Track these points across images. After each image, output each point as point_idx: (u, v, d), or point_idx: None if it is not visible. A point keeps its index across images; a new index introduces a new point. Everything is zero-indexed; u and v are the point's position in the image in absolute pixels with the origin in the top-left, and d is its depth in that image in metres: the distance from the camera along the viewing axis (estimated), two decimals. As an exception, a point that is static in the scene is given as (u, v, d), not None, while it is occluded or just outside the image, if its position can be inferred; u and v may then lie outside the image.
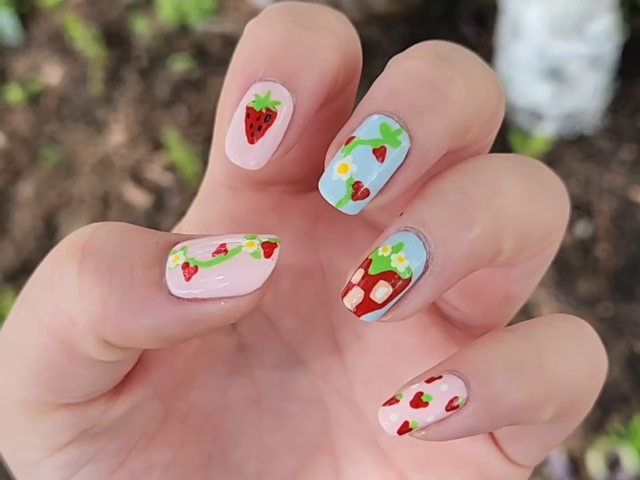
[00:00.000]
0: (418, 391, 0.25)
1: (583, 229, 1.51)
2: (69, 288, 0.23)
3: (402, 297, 0.23)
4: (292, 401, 0.31)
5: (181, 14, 1.82)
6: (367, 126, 0.24)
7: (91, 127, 1.74)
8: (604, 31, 1.51)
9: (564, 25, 1.50)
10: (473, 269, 0.24)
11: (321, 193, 0.24)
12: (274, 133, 0.24)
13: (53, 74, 1.83)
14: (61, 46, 1.86)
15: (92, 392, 0.26)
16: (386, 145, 0.23)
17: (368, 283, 0.23)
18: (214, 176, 0.30)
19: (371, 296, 0.23)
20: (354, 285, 0.24)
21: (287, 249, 0.30)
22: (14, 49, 1.88)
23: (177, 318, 0.23)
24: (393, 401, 0.25)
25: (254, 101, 0.24)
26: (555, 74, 1.55)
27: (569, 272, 1.47)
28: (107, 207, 1.62)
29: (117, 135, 1.71)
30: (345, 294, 0.24)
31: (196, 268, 0.23)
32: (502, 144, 1.58)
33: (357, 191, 0.23)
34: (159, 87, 1.77)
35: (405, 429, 0.24)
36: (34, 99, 1.80)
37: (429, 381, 0.25)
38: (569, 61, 1.53)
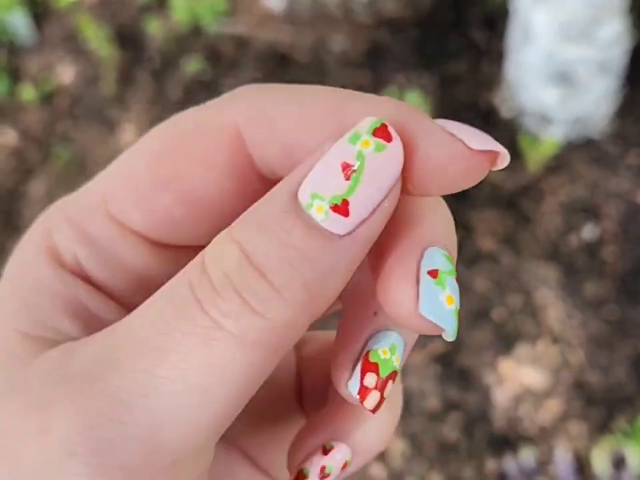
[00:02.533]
0: (321, 465, 0.29)
1: (589, 232, 1.52)
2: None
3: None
4: None
5: (194, 16, 1.83)
6: (440, 258, 0.26)
7: (103, 126, 1.75)
8: (613, 36, 1.52)
9: (573, 30, 1.51)
10: None
11: (442, 327, 0.25)
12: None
13: (65, 74, 1.85)
14: (74, 46, 1.88)
15: None
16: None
17: (382, 385, 0.26)
18: (131, 225, 0.31)
19: (384, 394, 0.27)
20: (370, 389, 0.27)
21: None
22: (27, 48, 1.90)
23: (359, 243, 0.24)
24: (300, 477, 0.30)
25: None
26: (564, 78, 1.56)
27: (575, 274, 1.48)
28: (117, 206, 1.63)
29: (128, 135, 1.73)
30: (363, 397, 0.27)
31: (345, 202, 0.23)
32: (511, 147, 1.59)
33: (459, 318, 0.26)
34: (171, 88, 1.78)
35: None
36: (47, 98, 1.82)
37: (325, 452, 0.29)
38: (578, 66, 1.54)
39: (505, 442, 1.34)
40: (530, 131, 1.62)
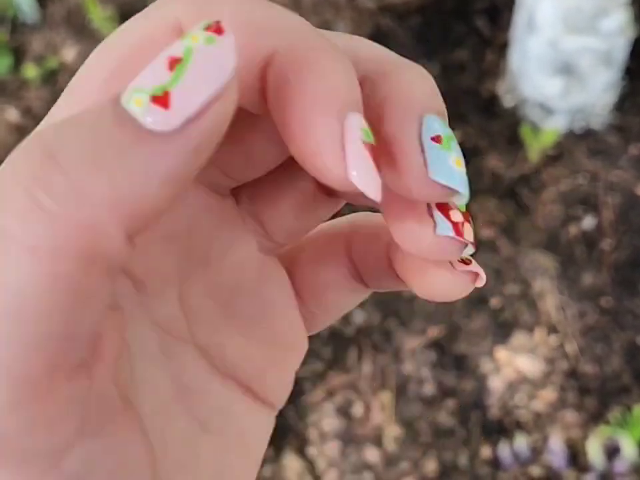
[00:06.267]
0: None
1: (588, 222, 1.52)
2: (60, 188, 0.20)
3: None
4: (138, 355, 0.29)
5: (198, -3, 1.83)
6: (434, 124, 0.25)
7: (105, 107, 1.75)
8: (617, 27, 1.52)
9: (577, 20, 1.51)
10: None
11: (455, 188, 0.25)
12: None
13: (68, 52, 1.84)
14: (77, 25, 1.88)
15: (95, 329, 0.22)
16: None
17: (466, 218, 0.26)
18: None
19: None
20: (462, 222, 0.26)
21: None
22: (31, 27, 1.89)
23: (183, 152, 0.20)
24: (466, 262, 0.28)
25: (364, 134, 0.23)
26: (567, 68, 1.56)
27: (573, 264, 1.48)
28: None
29: (130, 115, 1.73)
30: (461, 233, 0.26)
31: (166, 93, 0.20)
32: (512, 136, 1.59)
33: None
34: (173, 69, 1.78)
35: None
36: (49, 77, 1.81)
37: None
38: (581, 56, 1.54)
39: (500, 429, 1.35)
40: (531, 121, 1.62)
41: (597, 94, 1.60)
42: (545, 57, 1.57)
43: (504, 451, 1.32)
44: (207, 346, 0.31)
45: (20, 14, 1.89)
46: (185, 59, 0.20)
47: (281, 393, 0.33)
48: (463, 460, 1.33)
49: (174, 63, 0.20)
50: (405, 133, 0.24)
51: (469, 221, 0.26)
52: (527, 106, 1.63)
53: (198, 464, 0.30)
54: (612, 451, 1.30)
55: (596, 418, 1.35)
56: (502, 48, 1.71)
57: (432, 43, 1.76)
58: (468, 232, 0.26)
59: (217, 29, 0.21)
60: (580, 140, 1.62)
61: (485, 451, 1.33)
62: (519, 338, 1.42)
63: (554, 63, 1.56)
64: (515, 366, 1.39)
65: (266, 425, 0.32)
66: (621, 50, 1.57)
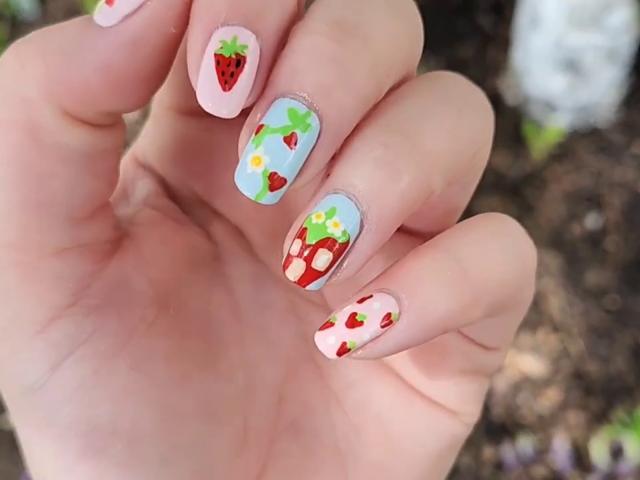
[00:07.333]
0: (352, 311, 0.25)
1: (593, 221, 1.51)
2: (11, 67, 0.24)
3: (342, 259, 0.24)
4: (268, 312, 0.32)
5: (199, -6, 1.82)
6: (275, 111, 0.23)
7: (106, 104, 1.75)
8: (622, 24, 1.51)
9: (582, 16, 1.50)
10: (407, 216, 0.24)
11: (238, 186, 0.23)
12: (245, 78, 0.23)
13: (69, 50, 1.84)
14: (77, 22, 1.87)
15: (78, 202, 0.26)
16: (296, 131, 0.23)
17: (308, 253, 0.24)
18: (163, 104, 0.31)
19: (313, 265, 0.24)
20: (293, 257, 0.24)
21: None
22: (30, 23, 1.89)
23: (117, 42, 0.23)
24: (328, 324, 0.25)
25: (221, 47, 0.23)
26: (571, 65, 1.55)
27: (577, 263, 1.47)
28: (119, 184, 1.63)
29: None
30: (286, 267, 0.24)
31: None
32: (515, 134, 1.58)
33: (273, 181, 0.23)
34: (174, 67, 1.78)
35: (343, 350, 0.24)
36: (49, 75, 1.81)
37: (360, 301, 0.25)
38: (586, 53, 1.53)
39: (503, 430, 1.34)
40: (535, 119, 1.61)
41: (601, 91, 1.59)
42: (549, 54, 1.56)
43: (507, 451, 1.31)
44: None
45: (19, 11, 1.88)
46: None
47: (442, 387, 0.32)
48: (465, 460, 1.32)
49: None
50: (250, 117, 0.24)
51: (306, 258, 0.24)
52: (531, 103, 1.62)
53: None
54: (616, 452, 1.29)
55: (600, 418, 1.34)
56: (505, 45, 1.70)
57: (435, 39, 1.75)
58: (292, 269, 0.24)
59: None
60: (584, 138, 1.61)
61: (488, 452, 1.33)
62: (522, 337, 1.41)
63: (558, 59, 1.55)
64: (519, 366, 1.38)
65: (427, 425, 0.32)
66: (626, 46, 1.56)
